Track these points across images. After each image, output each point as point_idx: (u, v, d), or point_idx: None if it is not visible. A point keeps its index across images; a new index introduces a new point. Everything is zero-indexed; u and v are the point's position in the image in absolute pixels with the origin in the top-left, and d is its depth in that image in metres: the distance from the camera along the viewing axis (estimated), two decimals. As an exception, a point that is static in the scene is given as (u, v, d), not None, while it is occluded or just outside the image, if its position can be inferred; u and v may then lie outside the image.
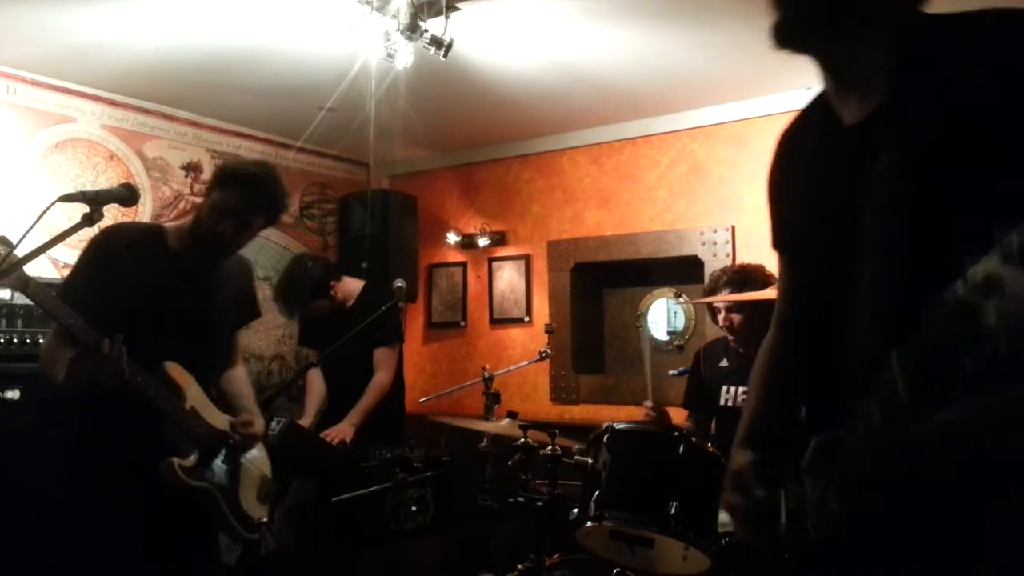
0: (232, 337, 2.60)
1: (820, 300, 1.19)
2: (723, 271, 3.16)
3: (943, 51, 1.01)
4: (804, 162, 1.24)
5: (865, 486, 0.96)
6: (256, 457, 2.53)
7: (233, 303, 2.52)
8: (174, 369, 2.24)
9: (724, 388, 3.11)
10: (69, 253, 4.03)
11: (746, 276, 3.04)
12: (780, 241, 1.34)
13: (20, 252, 1.96)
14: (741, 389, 3.05)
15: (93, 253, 2.27)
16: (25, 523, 2.71)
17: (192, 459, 2.25)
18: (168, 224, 2.34)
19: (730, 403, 3.05)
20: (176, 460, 2.20)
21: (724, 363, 3.14)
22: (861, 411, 0.95)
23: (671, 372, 3.74)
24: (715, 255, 4.40)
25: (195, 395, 2.30)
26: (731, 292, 3.00)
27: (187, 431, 2.25)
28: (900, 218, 1.01)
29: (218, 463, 2.35)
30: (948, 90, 0.98)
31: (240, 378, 2.61)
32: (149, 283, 2.25)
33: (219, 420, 2.38)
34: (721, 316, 3.05)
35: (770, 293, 2.97)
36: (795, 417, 1.20)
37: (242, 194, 2.30)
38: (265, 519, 2.53)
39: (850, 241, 1.07)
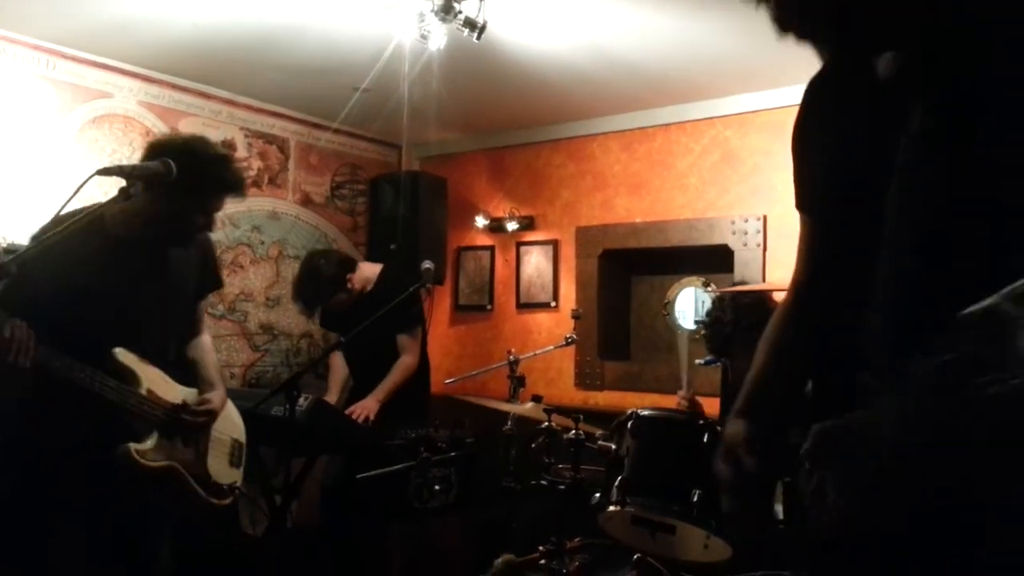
0: (194, 309, 2.58)
1: (841, 268, 1.13)
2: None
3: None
4: (832, 117, 1.16)
5: (869, 483, 0.89)
6: (226, 423, 2.55)
7: (193, 277, 2.50)
8: (122, 354, 2.24)
9: None
10: (105, 227, 4.10)
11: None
12: (803, 202, 1.27)
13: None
14: None
15: (34, 247, 2.17)
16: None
17: (151, 441, 2.26)
18: (108, 208, 2.16)
19: None
20: (132, 445, 2.21)
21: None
22: (874, 401, 0.90)
23: (698, 361, 3.72)
24: (746, 244, 4.36)
25: (150, 376, 2.30)
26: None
27: (142, 415, 2.26)
28: (931, 188, 0.94)
29: (182, 438, 2.37)
30: (991, 39, 0.90)
31: (203, 346, 2.60)
32: (90, 267, 2.20)
33: (181, 395, 2.39)
34: None
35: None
36: (800, 391, 1.16)
37: (213, 181, 2.27)
38: (238, 483, 2.55)
39: (875, 208, 1.01)
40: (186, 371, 2.48)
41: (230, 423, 2.58)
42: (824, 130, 1.18)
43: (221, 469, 2.50)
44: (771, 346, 1.34)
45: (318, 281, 3.75)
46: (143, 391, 2.27)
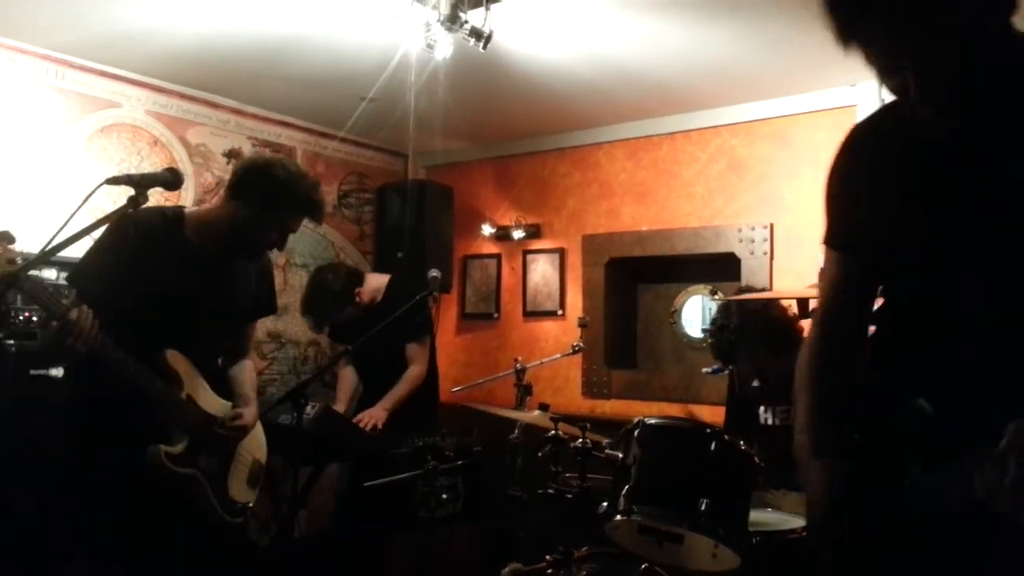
0: (246, 328, 2.63)
1: (908, 299, 1.19)
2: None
3: None
4: (884, 164, 1.24)
5: None
6: (252, 443, 2.57)
7: (251, 296, 2.55)
8: (173, 357, 2.27)
9: (761, 408, 3.08)
10: (113, 236, 4.12)
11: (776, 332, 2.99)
12: (844, 240, 1.33)
13: (65, 234, 2.01)
14: (779, 408, 3.02)
15: (110, 236, 2.27)
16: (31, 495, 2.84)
17: (180, 446, 2.28)
18: (189, 210, 2.35)
19: (770, 422, 3.02)
20: (163, 447, 2.24)
21: (756, 383, 3.10)
22: None
23: (705, 370, 3.71)
24: (752, 253, 4.35)
25: (193, 383, 2.33)
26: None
27: (178, 419, 2.28)
28: None
29: (209, 449, 2.39)
30: None
31: (246, 368, 2.64)
32: (162, 271, 2.26)
33: (217, 407, 2.41)
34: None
35: (806, 292, 2.93)
36: (903, 411, 1.16)
37: (291, 205, 2.35)
38: (251, 503, 2.57)
39: (956, 249, 1.09)
40: (225, 386, 2.51)
41: (256, 443, 2.60)
42: (872, 175, 1.26)
43: (239, 487, 2.52)
44: (818, 380, 1.36)
45: (326, 297, 3.75)
46: (183, 395, 2.30)
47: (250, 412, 2.52)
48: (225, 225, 2.35)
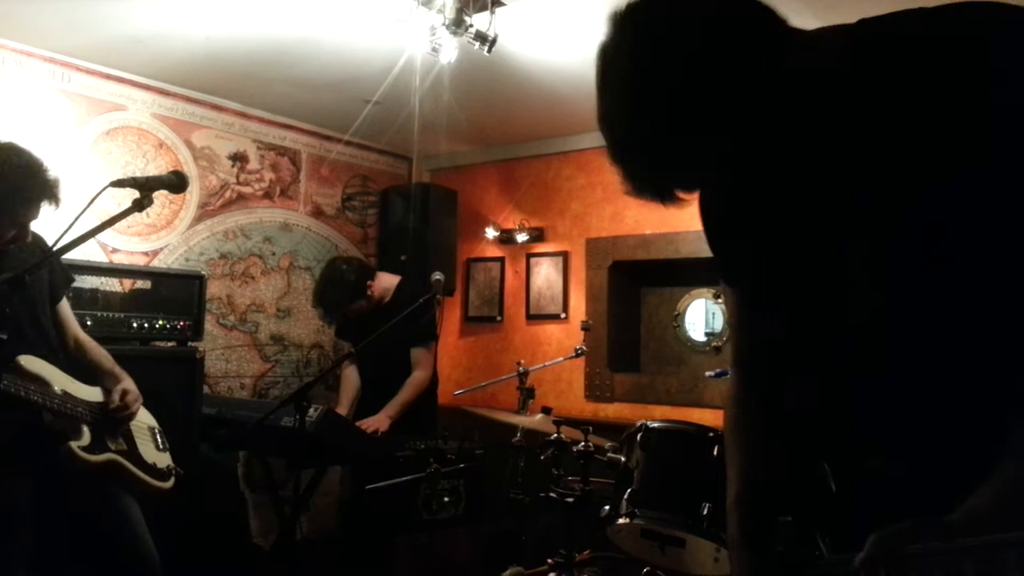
0: (55, 312, 2.53)
1: (800, 346, 1.10)
2: None
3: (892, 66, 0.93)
4: (754, 194, 1.14)
5: None
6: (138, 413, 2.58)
7: (45, 285, 2.46)
8: (28, 361, 2.23)
9: None
10: (118, 238, 4.13)
11: None
12: (728, 274, 1.26)
13: (71, 236, 2.02)
14: None
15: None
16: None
17: (86, 438, 2.29)
18: None
19: None
20: (73, 443, 2.23)
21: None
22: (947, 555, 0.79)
23: (708, 374, 3.71)
24: (756, 256, 4.34)
25: (59, 378, 2.31)
26: None
27: (68, 414, 2.27)
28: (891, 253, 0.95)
29: (110, 432, 2.40)
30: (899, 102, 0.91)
31: (91, 346, 2.57)
32: None
33: (91, 393, 2.41)
34: None
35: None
36: (806, 481, 1.06)
37: (30, 204, 2.19)
38: (172, 465, 2.58)
39: (796, 274, 1.03)
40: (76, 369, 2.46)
41: (140, 412, 2.61)
42: (741, 206, 1.17)
43: (152, 454, 2.55)
44: (744, 438, 1.22)
45: (340, 286, 3.77)
46: (59, 391, 2.28)
47: (129, 381, 2.51)
48: None
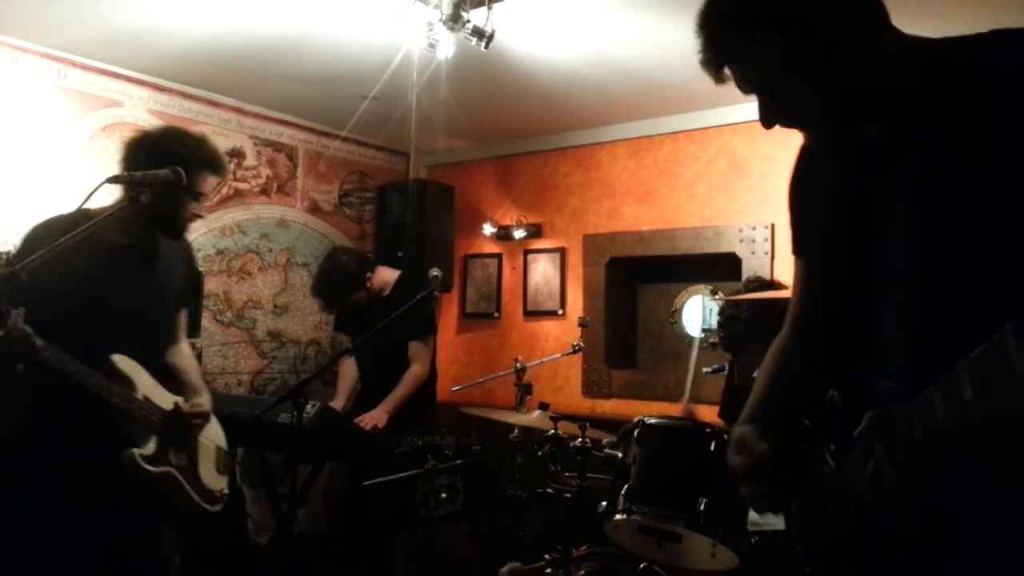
0: (176, 316, 2.58)
1: (837, 304, 1.26)
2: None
3: (963, 71, 1.07)
4: (821, 174, 1.33)
5: (924, 460, 0.95)
6: (210, 431, 2.57)
7: (178, 284, 2.51)
8: (120, 360, 2.25)
9: None
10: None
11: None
12: (799, 247, 1.42)
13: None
14: None
15: (23, 250, 2.18)
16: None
17: (151, 447, 2.28)
18: (95, 208, 2.19)
19: None
20: (136, 450, 2.23)
21: (757, 374, 3.09)
22: (917, 405, 0.94)
23: (705, 370, 3.71)
24: (753, 253, 4.35)
25: (145, 382, 2.31)
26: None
27: (142, 420, 2.27)
28: (931, 234, 1.07)
29: (176, 444, 2.39)
30: (971, 110, 1.04)
31: (184, 352, 2.60)
32: (82, 274, 2.18)
33: (170, 402, 2.40)
34: None
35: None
36: (819, 403, 1.22)
37: (204, 172, 2.33)
38: (225, 490, 2.57)
39: (874, 251, 1.15)
40: (167, 378, 2.47)
41: (213, 430, 2.60)
42: (814, 186, 1.36)
43: (210, 475, 2.53)
44: (771, 373, 1.48)
45: (340, 276, 3.78)
46: (140, 396, 2.28)
47: (206, 399, 2.51)
48: (137, 212, 2.22)
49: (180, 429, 2.39)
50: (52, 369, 2.02)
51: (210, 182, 2.40)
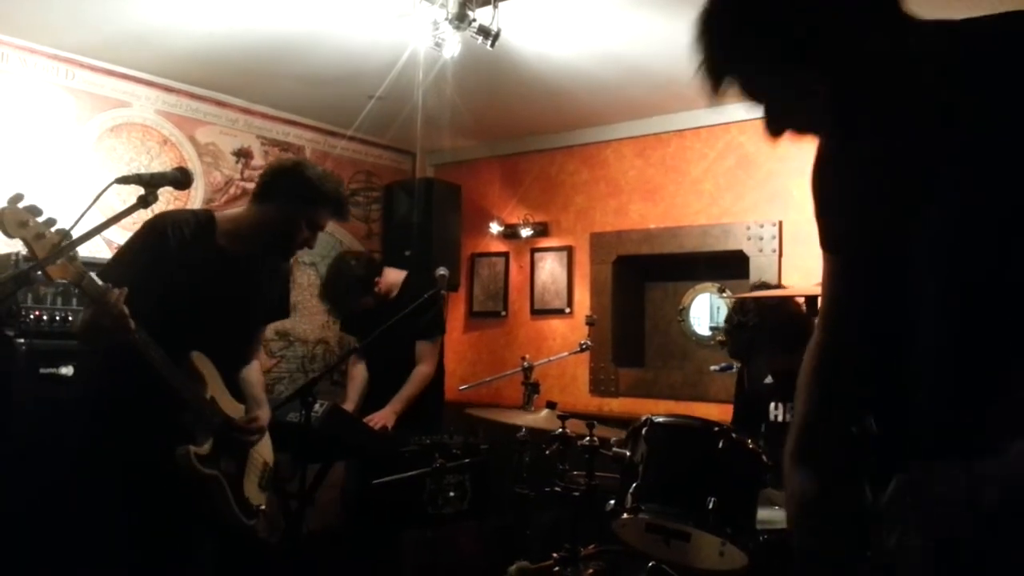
0: (260, 332, 2.68)
1: (867, 301, 1.21)
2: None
3: (995, 61, 1.01)
4: (847, 170, 1.26)
5: (950, 535, 0.91)
6: (261, 445, 2.59)
7: (269, 302, 2.59)
8: (199, 358, 2.31)
9: (772, 404, 3.07)
10: (123, 235, 4.13)
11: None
12: (827, 243, 1.36)
13: (76, 233, 2.02)
14: (790, 404, 3.02)
15: (145, 235, 2.34)
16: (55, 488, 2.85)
17: (207, 447, 2.31)
18: (220, 214, 2.42)
19: (780, 419, 3.01)
20: (192, 448, 2.26)
21: (769, 380, 3.09)
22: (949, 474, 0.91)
23: (712, 368, 3.71)
24: (761, 250, 4.34)
25: (215, 385, 2.36)
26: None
27: (204, 420, 2.31)
28: (968, 235, 1.02)
29: (229, 452, 2.41)
30: (1000, 95, 0.98)
31: (256, 370, 2.68)
32: (191, 272, 2.29)
33: (234, 410, 2.44)
34: None
35: (811, 289, 2.92)
36: (854, 425, 1.17)
37: (329, 211, 2.45)
38: (263, 506, 2.60)
39: (892, 246, 1.10)
40: (235, 388, 2.54)
41: (264, 446, 2.63)
42: (834, 181, 1.29)
43: (252, 489, 2.55)
44: (810, 382, 1.37)
45: (347, 281, 3.79)
46: (208, 396, 2.33)
47: (265, 414, 2.55)
48: (257, 228, 2.42)
49: (236, 438, 2.43)
50: (137, 351, 2.09)
51: (327, 221, 2.52)
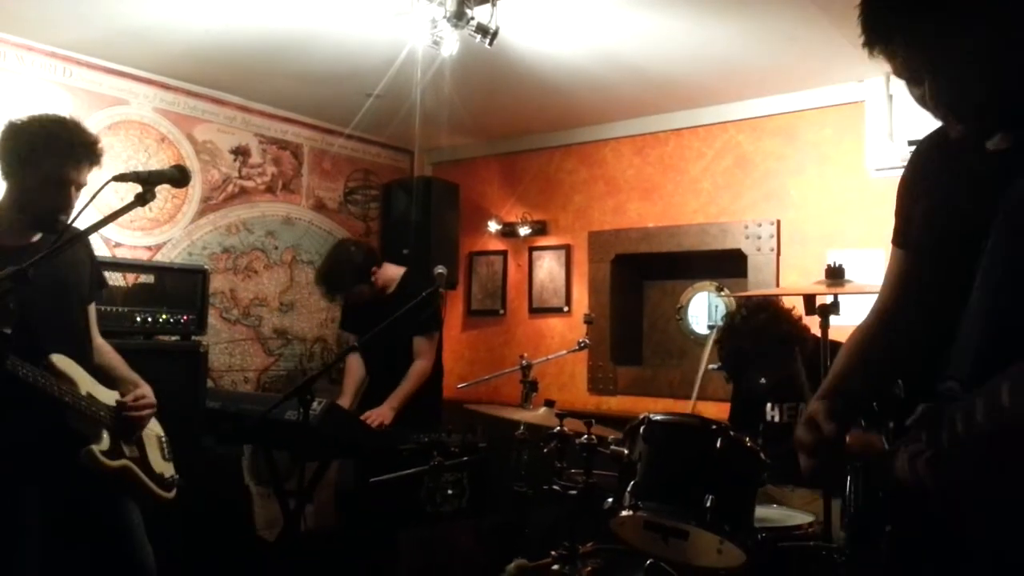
0: (87, 313, 2.55)
1: (929, 299, 1.32)
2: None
3: None
4: (939, 172, 1.36)
5: (963, 450, 0.98)
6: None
7: (84, 281, 2.49)
8: (60, 360, 2.25)
9: (768, 405, 3.08)
10: (121, 232, 4.14)
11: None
12: (902, 239, 1.46)
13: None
14: (786, 405, 3.03)
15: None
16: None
17: (106, 442, 2.30)
18: None
19: (777, 419, 3.02)
20: (94, 447, 2.25)
21: (763, 380, 3.10)
22: (963, 404, 0.98)
23: (711, 367, 3.71)
24: (759, 249, 4.34)
25: (85, 380, 2.32)
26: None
27: (91, 417, 2.28)
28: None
29: (126, 438, 2.41)
30: None
31: (107, 349, 2.60)
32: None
33: (108, 397, 2.41)
34: None
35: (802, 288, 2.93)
36: (886, 391, 1.25)
37: (64, 157, 2.26)
38: (176, 475, 2.60)
39: (971, 257, 1.15)
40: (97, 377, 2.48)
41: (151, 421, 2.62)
42: (930, 182, 1.39)
43: (159, 463, 2.56)
44: (854, 356, 1.51)
45: (346, 266, 3.81)
46: (84, 393, 2.29)
47: (146, 388, 2.52)
48: (13, 209, 2.25)
49: (127, 423, 2.41)
50: (9, 374, 2.02)
51: (80, 171, 2.35)
